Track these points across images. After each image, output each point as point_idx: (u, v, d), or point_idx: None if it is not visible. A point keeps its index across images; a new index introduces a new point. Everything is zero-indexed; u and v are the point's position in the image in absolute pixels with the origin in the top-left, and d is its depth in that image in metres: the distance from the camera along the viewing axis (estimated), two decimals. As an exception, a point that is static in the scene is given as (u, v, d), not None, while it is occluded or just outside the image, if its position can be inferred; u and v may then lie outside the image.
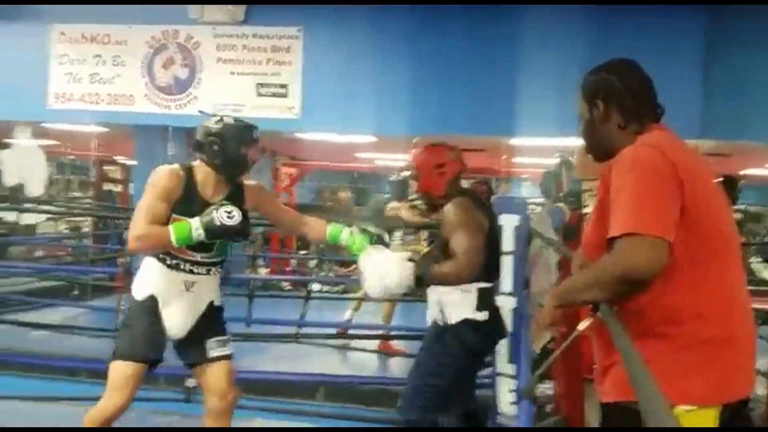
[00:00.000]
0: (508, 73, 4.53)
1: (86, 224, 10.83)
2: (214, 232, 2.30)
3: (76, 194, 11.74)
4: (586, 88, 1.60)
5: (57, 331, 5.06)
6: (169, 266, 2.40)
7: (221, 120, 2.47)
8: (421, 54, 4.63)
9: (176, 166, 2.45)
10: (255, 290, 6.43)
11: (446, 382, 2.55)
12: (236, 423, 3.83)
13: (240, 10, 4.56)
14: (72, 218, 10.56)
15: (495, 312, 2.66)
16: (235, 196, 2.48)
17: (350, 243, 2.58)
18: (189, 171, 2.43)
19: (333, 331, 5.82)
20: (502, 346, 3.19)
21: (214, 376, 2.47)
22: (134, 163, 10.07)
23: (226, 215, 2.29)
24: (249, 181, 2.60)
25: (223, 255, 2.51)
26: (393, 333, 5.48)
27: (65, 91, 4.88)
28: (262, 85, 4.66)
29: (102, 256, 8.57)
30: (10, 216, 7.05)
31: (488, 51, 4.54)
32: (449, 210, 2.56)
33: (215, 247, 2.44)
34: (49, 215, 8.43)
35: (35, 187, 7.11)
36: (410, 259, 2.55)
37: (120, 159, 10.41)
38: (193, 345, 2.47)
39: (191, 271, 2.43)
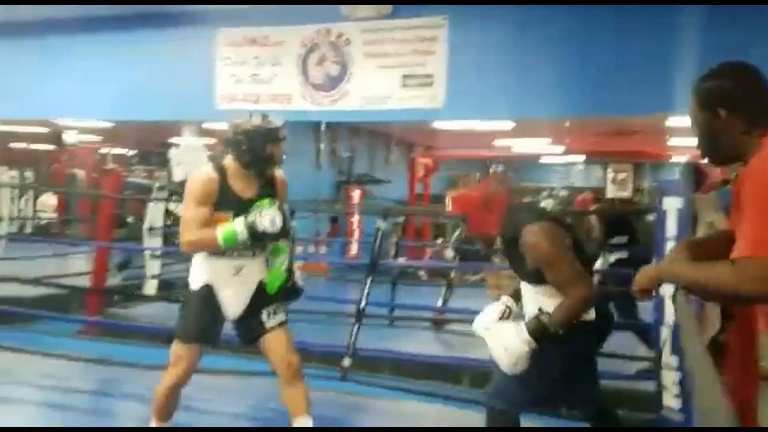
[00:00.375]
0: (663, 47, 4.30)
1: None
2: (257, 236, 2.53)
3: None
4: (702, 96, 1.56)
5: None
6: (217, 255, 2.64)
7: (250, 118, 2.62)
8: (568, 35, 4.52)
9: (209, 169, 2.62)
10: (395, 278, 6.64)
11: (545, 384, 2.49)
12: (384, 404, 4.03)
13: (388, 4, 4.71)
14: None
15: (600, 309, 2.54)
16: (266, 189, 2.67)
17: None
18: (222, 170, 2.62)
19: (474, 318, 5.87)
20: (666, 337, 3.07)
21: (274, 346, 2.69)
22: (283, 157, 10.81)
23: (269, 222, 2.50)
24: (279, 172, 2.75)
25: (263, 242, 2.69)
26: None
27: (229, 92, 5.31)
28: (407, 76, 4.78)
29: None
30: (178, 209, 7.73)
31: (641, 25, 4.33)
32: (529, 240, 2.41)
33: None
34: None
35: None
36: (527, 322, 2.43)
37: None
38: (251, 321, 2.70)
39: (238, 257, 2.66)
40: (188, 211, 2.58)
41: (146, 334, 5.25)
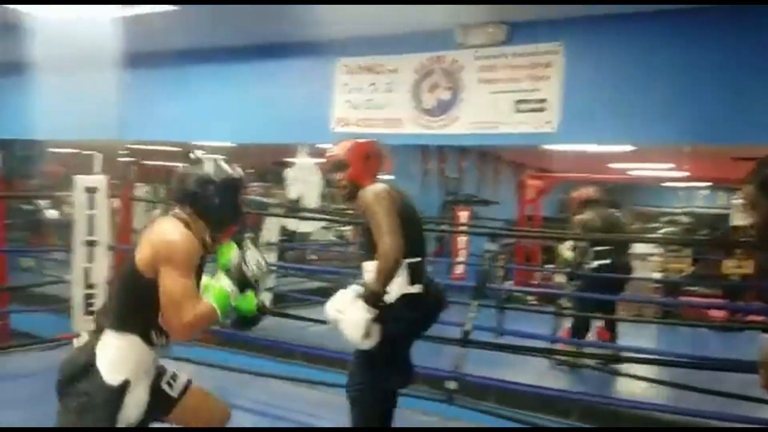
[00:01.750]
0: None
1: (349, 232, 12.05)
2: (246, 287, 2.20)
3: (342, 206, 13.01)
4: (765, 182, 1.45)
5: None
6: (151, 344, 2.21)
7: (218, 167, 2.32)
8: (684, 61, 4.34)
9: (184, 230, 2.19)
10: (503, 302, 6.56)
11: (384, 356, 2.60)
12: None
13: (502, 32, 4.74)
14: (340, 227, 11.79)
15: (428, 285, 2.69)
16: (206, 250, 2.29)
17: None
18: (188, 226, 2.22)
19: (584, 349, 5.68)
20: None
21: (195, 403, 2.39)
22: (391, 177, 11.07)
23: (256, 265, 2.22)
24: None
25: None
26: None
27: (345, 117, 5.54)
28: (520, 101, 4.77)
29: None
30: (292, 225, 8.08)
31: (756, 54, 4.09)
32: (363, 196, 2.62)
33: None
34: (323, 225, 9.53)
35: (311, 200, 8.03)
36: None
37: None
38: (153, 407, 2.27)
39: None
40: (178, 283, 2.05)
41: (259, 346, 5.54)
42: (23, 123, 7.91)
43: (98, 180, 5.09)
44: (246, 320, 2.28)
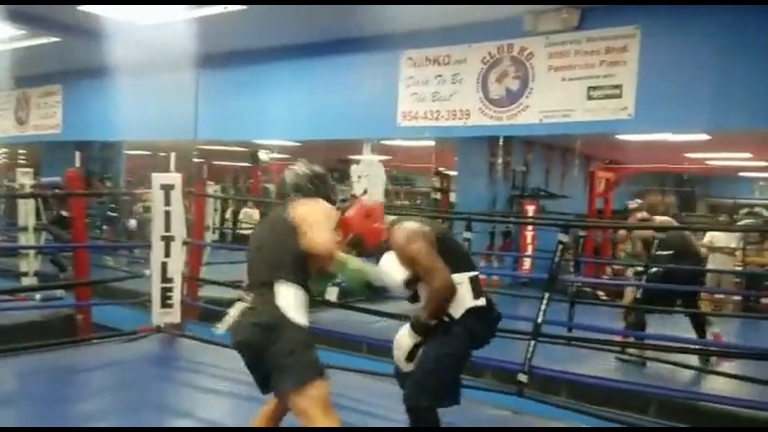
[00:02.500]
0: None
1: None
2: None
3: (405, 202, 13.03)
4: None
5: (397, 321, 5.65)
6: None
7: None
8: (765, 44, 4.11)
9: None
10: (574, 296, 6.39)
11: (450, 373, 2.66)
12: (554, 425, 3.90)
13: (574, 16, 4.61)
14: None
15: (488, 298, 2.70)
16: None
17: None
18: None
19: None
20: None
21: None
22: (454, 173, 10.99)
23: None
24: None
25: None
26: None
27: (411, 110, 5.53)
28: (593, 88, 4.63)
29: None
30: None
31: None
32: (393, 238, 2.62)
33: None
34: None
35: (376, 196, 8.06)
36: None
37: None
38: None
39: None
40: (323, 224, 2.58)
41: (325, 339, 5.60)
42: (102, 125, 8.31)
43: (174, 177, 5.24)
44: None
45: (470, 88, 5.20)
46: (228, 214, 13.89)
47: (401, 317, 5.67)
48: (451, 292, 2.57)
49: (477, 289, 2.68)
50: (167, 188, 5.10)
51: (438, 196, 11.68)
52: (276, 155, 13.35)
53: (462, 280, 2.63)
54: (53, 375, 4.25)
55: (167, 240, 5.10)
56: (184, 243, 5.35)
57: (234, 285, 6.44)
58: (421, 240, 2.59)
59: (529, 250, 9.58)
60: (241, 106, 6.82)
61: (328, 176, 2.88)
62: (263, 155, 13.34)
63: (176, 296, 5.10)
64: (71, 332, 5.63)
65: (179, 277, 5.17)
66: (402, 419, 3.75)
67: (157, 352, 4.89)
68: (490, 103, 5.12)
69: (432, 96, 5.39)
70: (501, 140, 8.93)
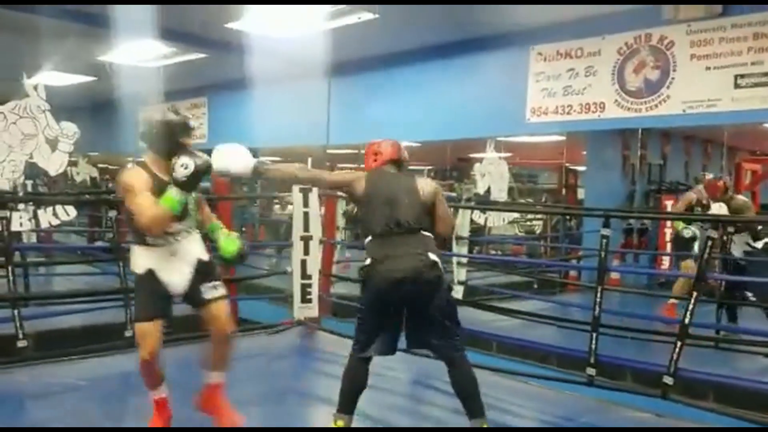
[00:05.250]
0: None
1: (538, 227, 11.79)
2: (180, 183, 2.76)
3: (529, 200, 12.76)
4: None
5: (528, 320, 5.57)
6: (153, 244, 2.92)
7: (165, 113, 2.96)
8: None
9: (135, 166, 2.98)
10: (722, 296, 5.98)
11: (364, 322, 3.03)
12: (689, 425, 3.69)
13: (718, 3, 4.36)
14: (527, 222, 11.58)
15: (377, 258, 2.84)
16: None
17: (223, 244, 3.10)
18: (144, 166, 2.94)
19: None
20: None
21: (212, 313, 3.01)
22: (583, 168, 10.62)
23: (182, 169, 2.77)
24: None
25: (191, 220, 3.01)
26: None
27: (540, 106, 5.46)
28: (741, 76, 4.34)
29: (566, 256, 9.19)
30: (480, 219, 8.09)
31: None
32: None
33: (184, 217, 2.94)
34: (510, 220, 9.41)
35: (499, 194, 7.99)
36: None
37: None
38: (193, 294, 2.99)
39: (170, 242, 2.94)
40: (137, 197, 2.82)
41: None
42: (243, 133, 8.88)
43: (311, 180, 5.52)
44: (229, 261, 3.18)
45: (605, 81, 5.05)
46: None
47: (528, 316, 5.66)
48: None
49: (376, 248, 2.88)
50: (305, 191, 5.38)
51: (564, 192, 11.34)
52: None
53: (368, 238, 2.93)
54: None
55: (306, 239, 5.38)
56: (321, 242, 5.61)
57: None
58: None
59: (668, 248, 9.05)
60: (370, 110, 7.04)
61: (176, 126, 2.93)
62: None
63: (314, 292, 5.36)
64: (220, 325, 6.05)
65: (317, 274, 5.43)
66: (533, 416, 3.77)
67: (298, 344, 5.17)
68: (627, 94, 4.94)
69: (563, 90, 5.29)
70: (640, 133, 8.53)
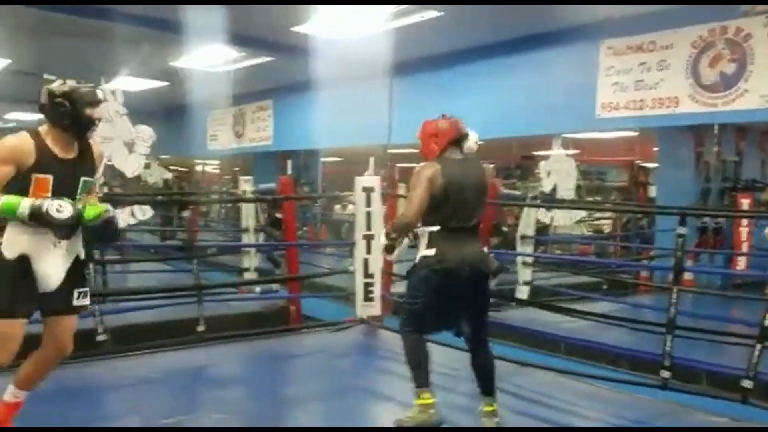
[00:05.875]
0: None
1: (606, 226, 11.45)
2: (39, 219, 2.37)
3: (597, 198, 12.42)
4: None
5: (598, 321, 5.42)
6: (35, 227, 2.46)
7: (64, 83, 2.54)
8: None
9: (23, 133, 2.51)
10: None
11: (420, 306, 3.09)
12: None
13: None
14: (595, 221, 11.27)
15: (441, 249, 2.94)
16: (85, 153, 2.61)
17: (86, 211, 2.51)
18: (36, 135, 2.51)
19: None
20: None
21: (64, 327, 2.58)
22: (654, 165, 10.24)
23: (56, 209, 2.38)
24: (94, 141, 2.69)
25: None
26: None
27: (611, 101, 5.30)
28: (826, 66, 4.09)
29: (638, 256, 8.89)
30: (546, 218, 7.92)
31: None
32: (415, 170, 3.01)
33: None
34: (578, 219, 9.17)
35: (565, 192, 7.81)
36: None
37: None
38: (59, 297, 2.54)
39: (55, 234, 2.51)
40: None
41: (519, 335, 5.55)
42: (306, 135, 9.05)
43: (373, 180, 5.56)
44: (92, 230, 2.55)
45: (678, 75, 4.87)
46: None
47: (598, 317, 5.50)
48: (405, 223, 3.00)
49: (438, 240, 2.96)
50: (368, 191, 5.42)
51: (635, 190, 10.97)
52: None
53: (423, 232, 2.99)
54: (270, 359, 4.72)
55: (368, 238, 5.41)
56: (383, 241, 5.63)
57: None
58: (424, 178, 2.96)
59: (744, 248, 8.62)
60: (432, 108, 6.91)
61: (77, 94, 2.55)
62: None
63: (377, 290, 5.39)
64: (284, 322, 6.19)
65: (379, 273, 5.46)
66: (605, 420, 3.66)
67: (360, 342, 5.20)
68: (702, 89, 4.74)
69: (635, 85, 5.13)
70: (716, 128, 8.16)
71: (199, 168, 17.28)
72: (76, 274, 2.60)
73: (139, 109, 4.91)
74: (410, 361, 3.10)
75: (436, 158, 3.06)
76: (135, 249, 9.07)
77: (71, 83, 2.54)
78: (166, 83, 9.36)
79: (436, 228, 2.96)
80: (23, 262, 2.46)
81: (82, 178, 2.57)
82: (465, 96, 6.71)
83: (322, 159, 12.91)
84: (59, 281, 2.54)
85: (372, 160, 5.90)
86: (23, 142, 2.45)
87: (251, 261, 7.18)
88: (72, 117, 2.50)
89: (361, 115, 7.66)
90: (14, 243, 2.48)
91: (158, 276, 7.11)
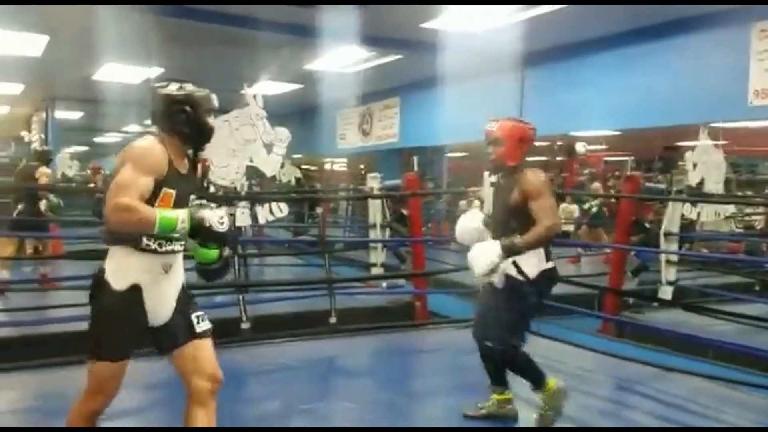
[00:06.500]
0: None
1: (759, 222, 10.45)
2: (200, 233, 2.09)
3: (748, 192, 11.39)
4: None
5: (751, 324, 5.02)
6: (146, 249, 2.14)
7: (181, 87, 2.24)
8: None
9: (152, 138, 2.21)
10: None
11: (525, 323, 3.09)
12: None
13: None
14: (746, 217, 10.34)
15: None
16: (194, 166, 2.34)
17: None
18: (162, 142, 2.21)
19: None
20: None
21: (202, 354, 2.22)
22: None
23: (218, 221, 2.10)
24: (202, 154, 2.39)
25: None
26: None
27: (765, 87, 4.85)
28: None
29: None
30: (692, 213, 7.37)
31: None
32: (530, 178, 2.84)
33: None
34: (727, 214, 8.44)
35: (714, 186, 7.24)
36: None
37: None
38: (175, 327, 2.21)
39: (169, 251, 2.19)
40: (127, 174, 2.06)
41: (662, 338, 5.24)
42: (432, 131, 9.09)
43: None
44: (206, 270, 2.24)
45: None
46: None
47: (749, 319, 5.05)
48: (552, 237, 2.85)
49: (548, 252, 2.93)
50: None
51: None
52: (593, 147, 12.93)
53: None
54: (397, 353, 4.82)
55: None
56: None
57: (564, 280, 6.45)
58: (550, 187, 2.92)
59: None
60: (564, 99, 6.80)
61: (201, 99, 2.26)
62: (580, 147, 13.01)
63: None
64: (410, 317, 6.25)
65: (503, 270, 5.34)
66: (747, 425, 3.36)
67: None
68: None
69: (791, 70, 4.64)
70: None
71: (327, 166, 17.93)
72: (185, 300, 2.29)
73: (274, 112, 5.18)
74: (528, 371, 3.09)
75: (520, 164, 2.97)
76: (271, 244, 9.59)
77: (189, 87, 2.27)
78: (300, 86, 9.80)
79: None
80: (134, 294, 2.14)
81: (191, 196, 2.27)
82: (598, 85, 6.44)
83: (448, 154, 12.92)
84: (171, 311, 2.23)
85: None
86: (161, 149, 2.16)
87: (378, 257, 7.33)
88: (194, 124, 2.23)
89: (488, 109, 7.55)
90: (124, 270, 2.14)
91: (292, 270, 7.48)
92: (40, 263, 6.90)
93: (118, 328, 2.12)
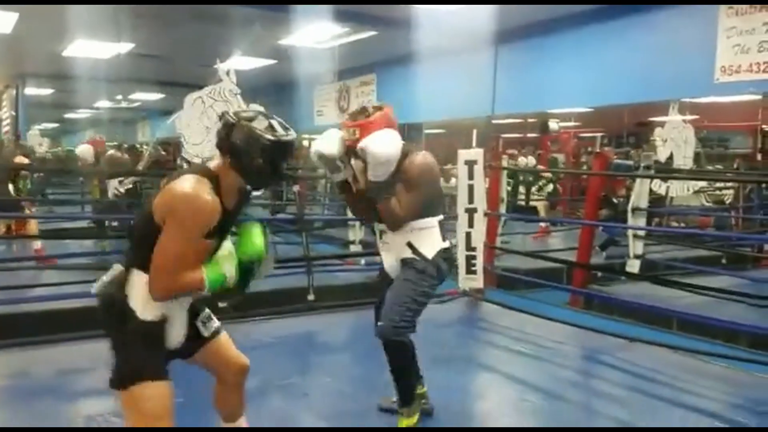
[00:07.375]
0: None
1: (728, 197, 10.68)
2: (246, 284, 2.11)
3: (719, 166, 11.61)
4: None
5: (715, 296, 5.17)
6: None
7: (270, 127, 2.02)
8: None
9: (205, 182, 1.95)
10: None
11: (423, 306, 2.86)
12: None
13: None
14: (715, 191, 10.57)
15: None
16: (243, 202, 2.15)
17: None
18: (216, 182, 1.99)
19: None
20: None
21: (221, 348, 2.25)
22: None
23: (266, 271, 2.12)
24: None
25: None
26: None
27: (731, 64, 4.95)
28: None
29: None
30: (661, 189, 7.53)
31: None
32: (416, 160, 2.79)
33: None
34: (695, 189, 8.63)
35: (683, 161, 7.38)
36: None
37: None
38: (187, 339, 2.16)
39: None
40: (179, 243, 1.91)
41: (628, 310, 5.40)
42: (409, 108, 9.06)
43: (476, 153, 5.51)
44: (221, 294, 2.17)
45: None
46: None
47: (716, 292, 5.22)
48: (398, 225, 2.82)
49: (442, 232, 2.93)
50: (470, 163, 5.40)
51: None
52: (566, 123, 13.03)
53: (434, 224, 2.87)
54: (374, 329, 4.91)
55: (470, 212, 5.41)
56: (485, 214, 5.61)
57: (533, 255, 6.64)
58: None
59: None
60: (537, 76, 6.86)
61: (287, 145, 2.05)
62: (553, 124, 13.12)
63: (479, 264, 5.40)
64: (388, 292, 6.35)
65: (481, 246, 5.46)
66: (721, 399, 3.52)
67: (463, 314, 5.28)
68: None
69: (759, 46, 4.73)
70: None
71: (305, 143, 17.79)
72: (192, 320, 2.21)
73: (249, 87, 5.12)
74: (406, 373, 2.99)
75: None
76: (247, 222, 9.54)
77: (276, 124, 2.05)
78: (274, 61, 9.70)
79: (437, 219, 2.89)
80: (161, 326, 2.05)
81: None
82: (571, 62, 6.50)
83: (426, 131, 12.93)
84: (184, 336, 2.16)
85: (475, 132, 5.88)
86: (213, 203, 1.94)
87: (356, 234, 7.38)
88: (270, 173, 2.04)
89: (464, 86, 7.60)
90: (154, 302, 2.00)
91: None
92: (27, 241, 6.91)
93: (150, 350, 2.01)
